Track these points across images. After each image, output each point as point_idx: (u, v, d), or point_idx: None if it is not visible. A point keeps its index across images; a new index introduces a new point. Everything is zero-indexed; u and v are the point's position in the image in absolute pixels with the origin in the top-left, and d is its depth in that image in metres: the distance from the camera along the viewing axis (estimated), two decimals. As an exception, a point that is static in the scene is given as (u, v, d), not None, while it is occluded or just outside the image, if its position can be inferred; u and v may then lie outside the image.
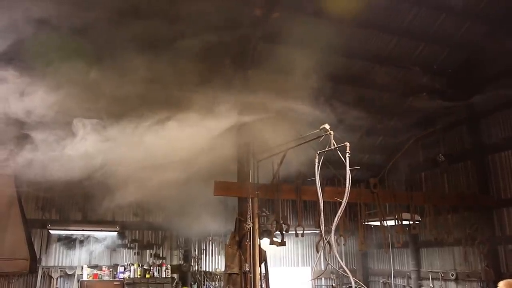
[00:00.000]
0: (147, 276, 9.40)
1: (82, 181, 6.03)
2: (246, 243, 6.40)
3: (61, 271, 9.29)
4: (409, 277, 10.43)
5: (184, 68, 6.15)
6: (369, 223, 8.13)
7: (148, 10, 6.34)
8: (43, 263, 9.18)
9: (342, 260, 4.43)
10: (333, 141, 4.23)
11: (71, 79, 5.42)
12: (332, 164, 6.23)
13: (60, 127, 5.60)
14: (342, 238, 6.91)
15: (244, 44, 7.24)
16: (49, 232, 9.20)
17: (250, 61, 7.17)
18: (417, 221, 7.90)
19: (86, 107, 5.50)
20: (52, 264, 9.34)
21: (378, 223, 7.79)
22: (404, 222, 7.70)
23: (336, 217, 3.87)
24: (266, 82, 6.95)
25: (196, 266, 10.15)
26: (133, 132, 5.72)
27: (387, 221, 7.75)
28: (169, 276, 9.56)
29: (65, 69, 5.42)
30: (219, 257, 10.44)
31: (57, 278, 9.18)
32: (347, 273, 3.73)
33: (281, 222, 6.48)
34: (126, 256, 9.91)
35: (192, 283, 9.99)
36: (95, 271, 9.31)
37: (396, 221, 7.60)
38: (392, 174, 9.13)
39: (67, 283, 9.28)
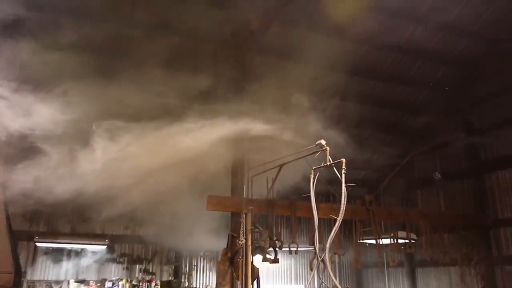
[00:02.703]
0: (136, 292, 9.26)
1: (72, 193, 5.97)
2: (239, 259, 6.33)
3: (46, 285, 9.11)
4: (405, 297, 10.36)
5: (177, 78, 6.19)
6: (364, 241, 8.08)
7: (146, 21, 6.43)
8: (28, 277, 9.02)
9: (336, 279, 4.40)
10: (329, 157, 4.24)
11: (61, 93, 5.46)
12: (328, 181, 6.26)
13: (51, 139, 5.59)
14: (336, 255, 6.86)
15: (240, 56, 7.29)
16: (35, 244, 9.06)
17: (248, 74, 7.21)
18: (413, 239, 7.87)
19: (76, 119, 5.50)
20: (37, 278, 9.17)
21: (373, 241, 7.75)
22: (400, 241, 7.67)
23: (331, 234, 3.86)
24: (263, 95, 6.99)
25: (187, 283, 10.01)
26: (125, 143, 5.70)
27: (383, 239, 7.71)
28: (159, 292, 9.41)
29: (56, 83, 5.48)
30: (211, 273, 10.32)
31: (42, 293, 9.03)
32: (341, 293, 3.70)
33: (275, 238, 6.43)
34: (114, 271, 9.76)
35: (182, 300, 9.85)
36: (82, 286, 9.15)
37: (392, 239, 7.57)
38: (388, 191, 9.14)
39: (52, 298, 9.12)
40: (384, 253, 7.84)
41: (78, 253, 9.55)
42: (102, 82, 5.77)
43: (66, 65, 5.65)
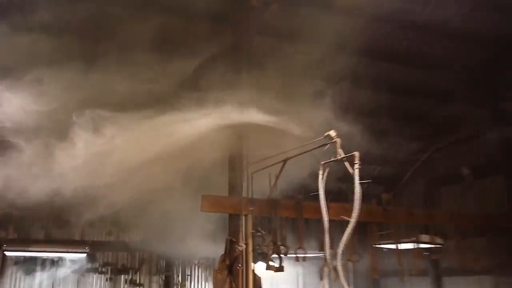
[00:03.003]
0: (121, 306, 9.34)
1: (47, 194, 6.00)
2: (238, 267, 6.37)
3: (18, 300, 9.22)
4: (428, 311, 10.43)
5: (167, 62, 6.19)
6: (382, 246, 8.12)
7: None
8: (-5, 291, 9.12)
9: (349, 289, 4.42)
10: (339, 150, 4.24)
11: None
12: (339, 177, 6.26)
13: (24, 133, 5.61)
14: (350, 263, 6.90)
15: (238, 37, 7.27)
16: (4, 253, 9.11)
17: (247, 57, 7.20)
18: (438, 244, 7.91)
19: (53, 109, 5.52)
20: (7, 292, 9.27)
21: (392, 246, 7.79)
22: (423, 246, 7.71)
23: (344, 238, 3.88)
24: (264, 81, 6.98)
25: (179, 295, 10.10)
26: (109, 135, 5.73)
27: (403, 244, 7.75)
28: (147, 307, 9.51)
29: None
30: (206, 283, 10.40)
31: (12, 309, 9.12)
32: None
33: (279, 243, 6.47)
34: (96, 283, 9.85)
35: (174, 314, 9.94)
36: (59, 300, 9.24)
37: (413, 244, 7.61)
38: (408, 189, 9.17)
39: (24, 315, 9.22)
40: (405, 260, 7.88)
41: (54, 263, 9.63)
42: (82, 67, 5.77)
43: (39, 49, 5.64)
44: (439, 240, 8.03)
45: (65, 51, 5.90)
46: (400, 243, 7.62)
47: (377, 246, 7.58)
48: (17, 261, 9.31)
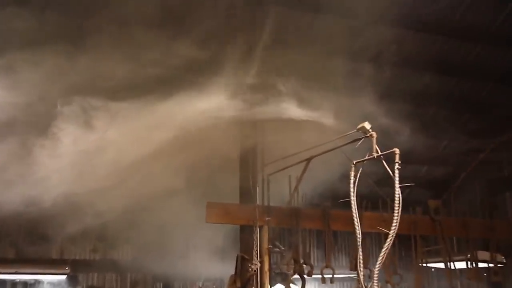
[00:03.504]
0: None
1: (20, 203, 6.15)
2: (252, 291, 6.47)
3: (-17, 332, 9.39)
4: None
5: (169, 40, 6.30)
6: (429, 264, 8.15)
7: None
8: (-45, 322, 9.29)
9: (388, 317, 4.49)
10: (375, 146, 4.30)
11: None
12: (375, 180, 6.32)
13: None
14: (389, 285, 6.95)
15: (252, 8, 7.35)
16: (-34, 276, 9.29)
17: (262, 32, 7.27)
18: (500, 263, 7.90)
19: (31, 100, 5.67)
20: (-29, 322, 9.45)
21: (441, 265, 7.81)
22: (481, 264, 7.71)
23: (381, 255, 3.93)
24: (282, 62, 7.05)
25: (180, 324, 10.24)
26: (94, 129, 5.86)
27: (455, 262, 7.76)
28: None
29: None
30: (213, 311, 10.51)
31: None
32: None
33: (302, 261, 6.55)
34: (79, 310, 10.02)
35: None
36: (34, 331, 9.41)
37: (469, 262, 7.62)
38: (463, 195, 9.16)
39: None
40: (458, 282, 7.89)
41: (28, 286, 9.77)
42: (67, 49, 5.89)
43: (12, 28, 5.78)
44: (501, 258, 8.03)
45: (45, 29, 6.02)
46: (452, 261, 7.63)
47: (423, 264, 7.60)
48: (-18, 285, 9.50)
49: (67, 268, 9.56)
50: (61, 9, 6.80)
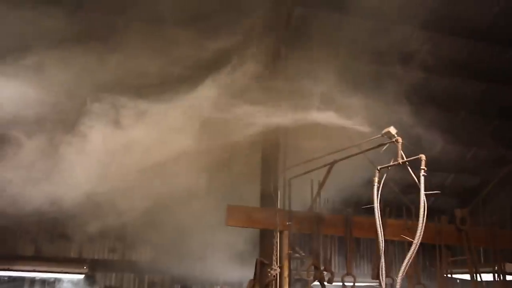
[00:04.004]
0: None
1: (43, 201, 6.24)
2: (271, 296, 6.48)
3: (0, 329, 9.54)
4: None
5: (194, 38, 6.35)
6: (454, 275, 8.06)
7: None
8: (-28, 318, 9.46)
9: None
10: (401, 152, 4.29)
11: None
12: (400, 186, 6.28)
13: (22, 126, 5.88)
14: (412, 295, 6.90)
15: (277, 8, 7.37)
16: (-16, 272, 9.44)
17: (287, 33, 7.29)
18: (529, 276, 7.81)
19: (58, 96, 5.78)
20: (-12, 319, 9.61)
21: (467, 277, 7.73)
22: (509, 277, 7.60)
23: (405, 263, 3.92)
24: (306, 63, 7.05)
25: (198, 328, 10.29)
26: (118, 127, 5.94)
27: (482, 274, 7.67)
28: None
29: None
30: (231, 315, 10.53)
31: None
32: None
33: (322, 268, 6.55)
34: (95, 310, 10.12)
35: None
36: (51, 330, 9.52)
37: (496, 274, 7.53)
38: (491, 204, 9.04)
39: None
40: (485, 295, 7.80)
41: (46, 284, 9.89)
42: (93, 46, 5.98)
43: (39, 26, 5.88)
44: (530, 271, 7.93)
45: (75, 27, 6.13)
46: (478, 272, 7.54)
47: (448, 275, 7.53)
48: (1, 282, 9.59)
49: (85, 267, 9.64)
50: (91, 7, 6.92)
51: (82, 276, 9.82)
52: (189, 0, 6.62)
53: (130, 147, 6.01)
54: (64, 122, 6.06)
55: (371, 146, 5.08)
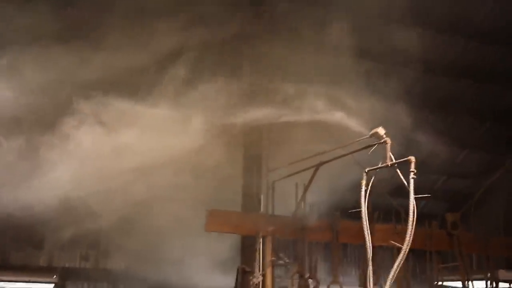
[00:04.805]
0: None
1: (6, 206, 6.16)
2: (253, 306, 6.47)
3: None
4: None
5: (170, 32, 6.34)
6: (445, 282, 8.12)
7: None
8: None
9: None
10: (390, 153, 4.29)
11: None
12: (389, 190, 6.29)
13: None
14: (401, 304, 6.94)
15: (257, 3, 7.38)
16: None
17: (267, 28, 7.29)
18: (523, 283, 7.89)
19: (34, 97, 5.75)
20: None
21: (459, 284, 7.78)
22: (502, 285, 7.67)
23: (393, 270, 3.92)
24: (288, 60, 7.06)
25: None
26: (95, 127, 5.89)
27: (474, 282, 7.73)
28: None
29: None
30: (210, 327, 10.50)
31: None
32: None
33: (307, 275, 6.54)
34: (67, 322, 10.03)
35: None
36: None
37: (489, 282, 7.59)
38: (483, 209, 9.11)
39: None
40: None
41: (14, 295, 9.79)
42: (69, 44, 5.95)
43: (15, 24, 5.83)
44: (524, 278, 8.01)
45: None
46: (470, 279, 7.60)
47: (438, 282, 7.57)
48: (-36, 292, 9.50)
49: (55, 276, 9.57)
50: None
51: (52, 286, 9.72)
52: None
53: (104, 150, 5.96)
54: (35, 124, 5.99)
55: (359, 147, 5.09)
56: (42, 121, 6.04)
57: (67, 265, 10.19)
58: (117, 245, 9.73)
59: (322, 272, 6.90)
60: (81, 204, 6.41)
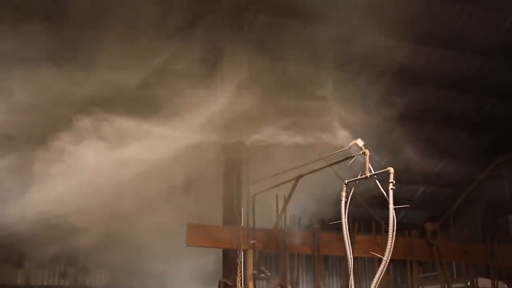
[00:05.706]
0: None
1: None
2: (235, 321, 6.45)
3: None
4: None
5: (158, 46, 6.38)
6: (426, 292, 8.18)
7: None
8: None
9: None
10: (369, 165, 4.33)
11: None
12: (368, 201, 6.35)
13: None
14: (383, 315, 6.96)
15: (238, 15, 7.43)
16: None
17: (249, 41, 7.33)
18: (502, 291, 7.97)
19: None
20: None
21: (439, 293, 7.85)
22: (482, 292, 7.75)
23: (374, 281, 3.95)
24: (269, 73, 7.10)
25: None
26: (71, 143, 5.86)
27: (455, 290, 7.81)
28: None
29: None
30: None
31: None
32: None
33: (289, 288, 6.55)
34: None
35: None
36: None
37: (469, 290, 7.67)
38: (462, 218, 9.21)
39: None
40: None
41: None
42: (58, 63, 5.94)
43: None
44: (503, 286, 8.07)
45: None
46: (451, 288, 7.68)
47: (420, 292, 7.63)
48: None
49: (32, 295, 9.48)
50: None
51: (29, 305, 9.64)
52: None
53: (83, 167, 5.93)
54: (14, 141, 5.94)
55: (339, 159, 5.11)
56: (20, 139, 5.99)
57: (45, 283, 10.05)
58: (97, 261, 9.66)
59: (304, 284, 6.91)
60: (59, 222, 6.34)
